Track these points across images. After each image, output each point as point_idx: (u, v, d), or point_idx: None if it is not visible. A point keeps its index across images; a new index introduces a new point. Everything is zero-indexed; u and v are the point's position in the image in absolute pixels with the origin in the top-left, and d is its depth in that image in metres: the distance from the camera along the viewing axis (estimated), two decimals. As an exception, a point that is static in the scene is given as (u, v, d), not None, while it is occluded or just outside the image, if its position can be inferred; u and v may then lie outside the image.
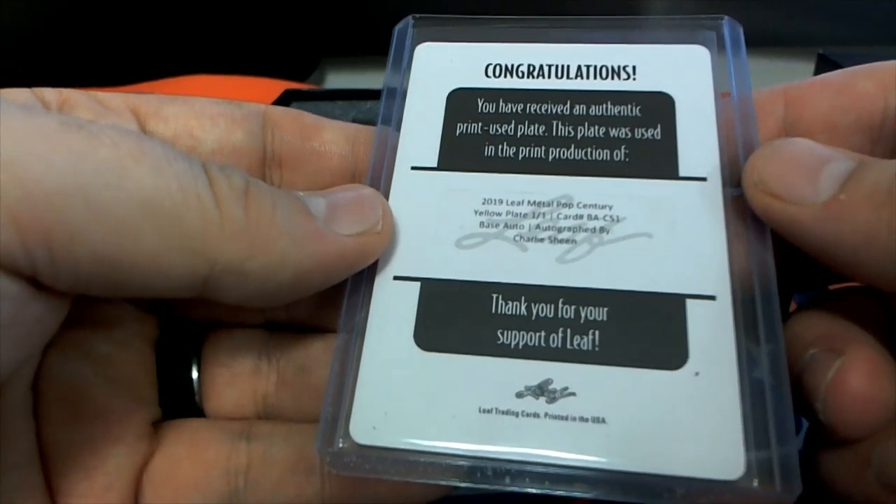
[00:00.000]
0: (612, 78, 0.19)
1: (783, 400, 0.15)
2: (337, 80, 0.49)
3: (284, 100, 0.35)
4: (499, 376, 0.16)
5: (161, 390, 0.19)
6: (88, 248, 0.13)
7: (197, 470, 0.17)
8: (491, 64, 0.20)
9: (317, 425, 0.16)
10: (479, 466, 0.15)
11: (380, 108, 0.19)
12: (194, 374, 0.19)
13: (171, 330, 0.19)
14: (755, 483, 0.14)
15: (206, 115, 0.18)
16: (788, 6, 0.53)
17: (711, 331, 0.16)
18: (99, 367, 0.17)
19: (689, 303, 0.16)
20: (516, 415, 0.15)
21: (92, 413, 0.17)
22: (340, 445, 0.15)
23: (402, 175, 0.18)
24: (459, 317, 0.17)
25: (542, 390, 0.16)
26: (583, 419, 0.15)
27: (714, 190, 0.17)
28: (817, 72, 0.40)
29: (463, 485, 0.15)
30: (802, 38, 0.52)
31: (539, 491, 0.15)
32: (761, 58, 0.53)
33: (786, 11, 0.53)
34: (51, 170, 0.12)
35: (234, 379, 0.19)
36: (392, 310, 0.17)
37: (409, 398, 0.16)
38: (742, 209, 0.17)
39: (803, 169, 0.16)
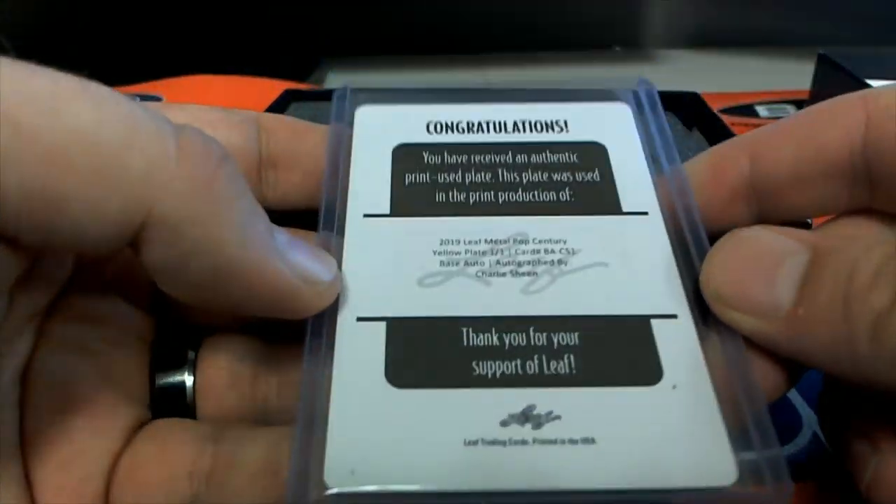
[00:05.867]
0: (547, 131, 0.21)
1: (757, 402, 0.15)
2: (337, 80, 0.49)
3: (284, 100, 0.35)
4: (480, 407, 0.15)
5: (151, 391, 0.19)
6: (17, 175, 0.12)
7: (161, 471, 0.17)
8: (431, 122, 0.21)
9: (292, 428, 0.15)
10: (471, 503, 0.14)
11: (325, 169, 0.19)
12: (188, 378, 0.19)
13: (168, 332, 0.19)
14: (749, 487, 0.14)
15: (204, 120, 0.18)
16: (788, 6, 0.53)
17: (680, 346, 0.16)
18: (90, 361, 0.17)
19: (654, 322, 0.16)
20: (503, 444, 0.15)
21: (75, 405, 0.16)
22: (314, 496, 0.14)
23: (355, 221, 0.18)
24: (431, 351, 0.16)
25: (526, 417, 0.15)
26: (572, 441, 0.15)
27: (656, 222, 0.18)
28: (817, 72, 0.40)
29: None
30: (802, 38, 0.52)
31: None
32: (761, 58, 0.53)
33: (786, 11, 0.53)
34: None
35: (234, 382, 0.19)
36: (358, 350, 0.16)
37: (387, 437, 0.15)
38: (684, 238, 0.18)
39: (757, 275, 0.15)
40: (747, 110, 0.42)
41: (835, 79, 0.37)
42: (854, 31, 0.52)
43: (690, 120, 0.29)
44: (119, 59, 0.45)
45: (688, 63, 0.53)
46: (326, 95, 0.37)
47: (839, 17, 0.52)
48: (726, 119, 0.28)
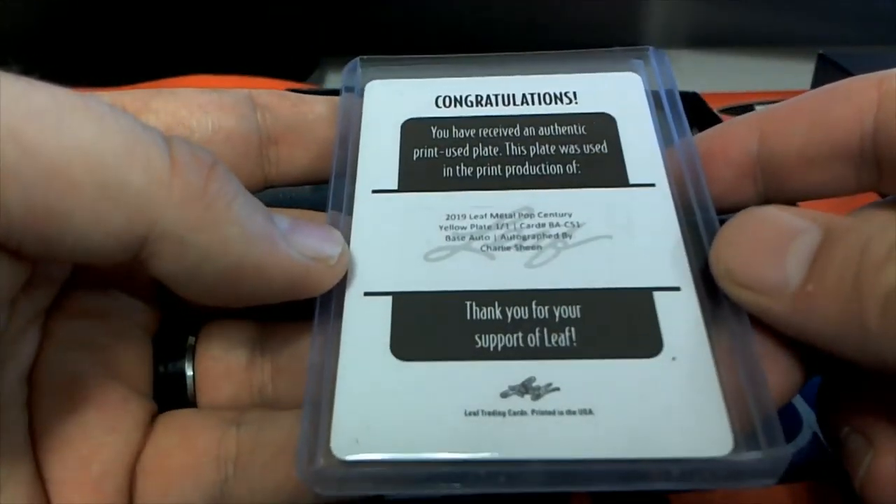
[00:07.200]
0: (556, 103, 0.21)
1: (757, 377, 0.15)
2: (337, 80, 0.49)
3: (284, 100, 0.35)
4: (481, 379, 0.16)
5: (155, 384, 0.19)
6: (20, 191, 0.12)
7: (189, 457, 0.17)
8: (440, 96, 0.21)
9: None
10: (471, 471, 0.15)
11: (335, 145, 0.19)
12: (188, 368, 0.19)
13: (170, 322, 0.19)
14: (744, 457, 0.15)
15: (195, 104, 0.18)
16: (788, 6, 0.53)
17: (681, 319, 0.16)
18: (96, 357, 0.17)
19: (657, 295, 0.17)
20: (503, 414, 0.15)
21: (87, 402, 0.16)
22: (322, 463, 0.15)
23: (363, 198, 0.19)
24: (435, 325, 0.17)
25: (526, 388, 0.16)
26: (570, 412, 0.15)
27: (664, 194, 0.18)
28: (817, 72, 0.40)
29: (457, 492, 0.15)
30: (802, 38, 0.52)
31: (536, 490, 0.15)
32: (761, 58, 0.53)
33: (786, 11, 0.53)
34: None
35: (229, 372, 0.19)
36: (365, 324, 0.17)
37: (391, 408, 0.16)
38: (691, 210, 0.18)
39: (767, 252, 0.15)
40: (747, 110, 0.41)
41: (835, 79, 0.37)
42: (854, 31, 0.52)
43: (690, 120, 0.29)
44: (119, 59, 0.45)
45: (688, 63, 0.53)
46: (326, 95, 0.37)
47: (839, 17, 0.52)
48: (726, 119, 0.28)
